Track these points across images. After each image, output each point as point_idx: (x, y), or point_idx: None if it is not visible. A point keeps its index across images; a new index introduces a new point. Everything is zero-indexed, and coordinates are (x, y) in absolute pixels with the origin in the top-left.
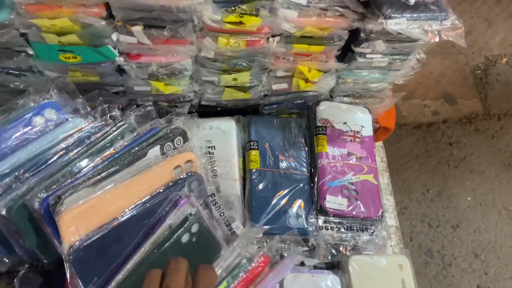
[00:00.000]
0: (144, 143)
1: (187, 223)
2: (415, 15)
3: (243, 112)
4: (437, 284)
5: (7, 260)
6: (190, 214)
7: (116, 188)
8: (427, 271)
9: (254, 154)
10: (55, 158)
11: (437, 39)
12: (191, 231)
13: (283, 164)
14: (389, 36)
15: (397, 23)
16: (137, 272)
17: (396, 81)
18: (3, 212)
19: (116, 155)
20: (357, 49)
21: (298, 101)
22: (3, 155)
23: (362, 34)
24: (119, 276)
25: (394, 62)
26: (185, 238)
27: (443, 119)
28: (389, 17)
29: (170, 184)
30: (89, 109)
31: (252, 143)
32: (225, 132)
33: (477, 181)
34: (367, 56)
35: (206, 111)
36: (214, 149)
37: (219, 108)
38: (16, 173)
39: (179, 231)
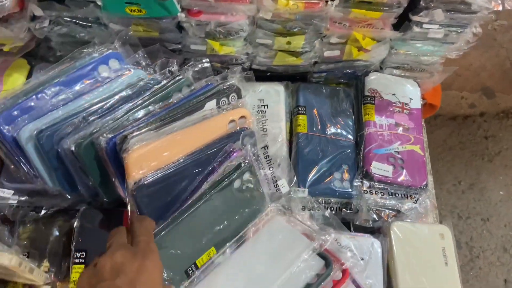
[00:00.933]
0: (201, 96)
1: (240, 169)
2: None
3: (291, 78)
4: (463, 275)
5: (69, 197)
6: (243, 162)
7: (176, 134)
8: None
9: (302, 119)
10: (118, 105)
11: (500, 8)
12: (242, 178)
13: (330, 130)
14: (449, 5)
15: None
16: (193, 213)
17: (449, 55)
18: (72, 148)
19: (174, 105)
20: (415, 18)
21: (348, 71)
22: (70, 98)
23: (422, 2)
24: (177, 215)
25: (450, 34)
26: (236, 184)
27: (480, 112)
28: None
29: (225, 136)
30: (149, 62)
31: (300, 108)
32: (274, 96)
33: (511, 176)
34: (424, 25)
35: (256, 75)
36: (265, 109)
37: (268, 73)
38: (84, 114)
39: (233, 176)
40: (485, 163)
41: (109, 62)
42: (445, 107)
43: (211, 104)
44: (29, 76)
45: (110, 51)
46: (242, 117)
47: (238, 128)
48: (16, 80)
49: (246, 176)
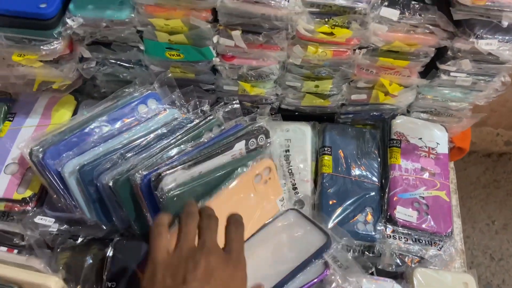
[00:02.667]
0: (231, 137)
1: None
2: (506, 37)
3: (319, 118)
4: None
5: (104, 227)
6: None
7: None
8: None
9: (327, 159)
10: (153, 142)
11: None
12: None
13: (355, 172)
14: (477, 56)
15: (488, 44)
16: None
17: (477, 102)
18: (110, 184)
19: (205, 145)
20: (442, 66)
21: (374, 113)
22: (111, 135)
23: (449, 52)
24: None
25: (478, 83)
26: None
27: None
28: (481, 37)
29: None
30: (183, 102)
31: (326, 148)
32: (300, 135)
33: None
34: (451, 74)
35: (284, 115)
36: (291, 148)
37: (296, 113)
38: (122, 151)
39: None
40: None
41: (148, 101)
42: (480, 144)
43: (240, 145)
44: (75, 111)
45: (149, 91)
46: (267, 168)
47: None
48: (63, 116)
49: None
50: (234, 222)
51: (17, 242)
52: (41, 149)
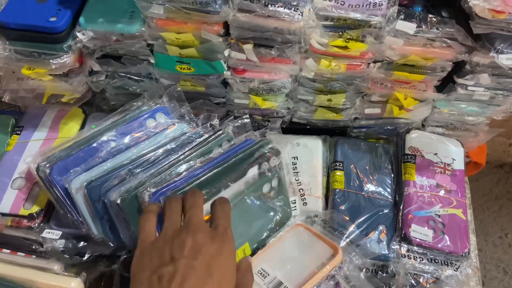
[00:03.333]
0: (244, 163)
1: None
2: None
3: (330, 132)
4: None
5: (112, 244)
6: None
7: None
8: None
9: (339, 175)
10: (162, 158)
11: None
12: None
13: (368, 188)
14: (496, 70)
15: (509, 59)
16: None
17: (495, 116)
18: (118, 201)
19: (214, 161)
20: (460, 80)
21: (388, 127)
22: (119, 150)
23: (467, 66)
24: None
25: (497, 97)
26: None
27: None
28: (501, 52)
29: None
30: (193, 116)
31: (337, 164)
32: (311, 150)
33: None
34: (469, 88)
35: (295, 128)
36: (302, 162)
37: (308, 126)
38: (130, 167)
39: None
40: None
41: (156, 115)
42: (492, 154)
43: (253, 170)
44: (83, 124)
45: (158, 105)
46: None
47: None
48: (71, 129)
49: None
50: (220, 200)
51: (35, 248)
52: (48, 164)
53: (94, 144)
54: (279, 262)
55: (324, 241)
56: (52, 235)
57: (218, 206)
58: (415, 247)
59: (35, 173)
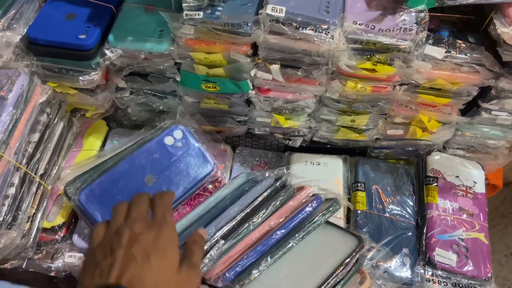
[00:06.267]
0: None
1: None
2: None
3: (350, 152)
4: None
5: None
6: None
7: None
8: None
9: (361, 196)
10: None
11: None
12: None
13: (390, 210)
14: None
15: None
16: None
17: None
18: None
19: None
20: (485, 105)
21: (409, 148)
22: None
23: (493, 91)
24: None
25: None
26: None
27: None
28: None
29: None
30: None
31: (359, 184)
32: (332, 169)
33: None
34: (493, 112)
35: (315, 147)
36: (321, 184)
37: (328, 146)
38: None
39: None
40: None
41: (173, 133)
42: None
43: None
44: (106, 137)
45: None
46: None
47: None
48: (94, 143)
49: None
50: (158, 194)
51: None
52: (75, 190)
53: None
54: None
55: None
56: (75, 259)
57: (157, 198)
58: (439, 271)
59: (64, 195)
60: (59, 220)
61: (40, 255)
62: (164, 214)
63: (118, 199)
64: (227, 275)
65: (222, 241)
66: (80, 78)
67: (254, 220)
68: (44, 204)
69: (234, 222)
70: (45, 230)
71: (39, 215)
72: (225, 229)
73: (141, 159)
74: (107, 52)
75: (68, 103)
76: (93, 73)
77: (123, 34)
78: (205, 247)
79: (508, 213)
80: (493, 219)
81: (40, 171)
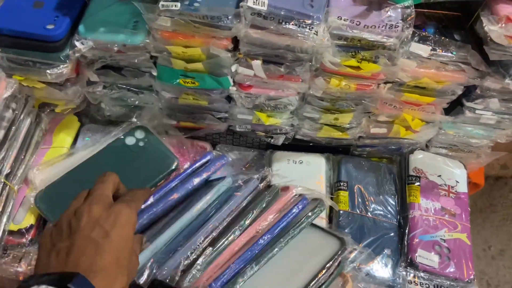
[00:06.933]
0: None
1: None
2: None
3: (333, 150)
4: None
5: None
6: None
7: None
8: None
9: (343, 195)
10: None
11: None
12: None
13: (372, 210)
14: (506, 95)
15: None
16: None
17: (499, 140)
18: None
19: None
20: (469, 104)
21: (392, 147)
22: None
23: (477, 91)
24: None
25: (503, 121)
26: None
27: None
28: None
29: None
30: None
31: (341, 184)
32: (314, 168)
33: None
34: (477, 111)
35: (297, 145)
36: (302, 183)
37: (311, 144)
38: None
39: None
40: None
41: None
42: None
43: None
44: (77, 134)
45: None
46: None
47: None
48: (64, 140)
49: None
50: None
51: None
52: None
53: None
54: None
55: None
56: None
57: (122, 186)
58: (421, 273)
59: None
60: (27, 222)
61: (7, 259)
62: (125, 200)
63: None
64: (214, 285)
65: (210, 249)
66: (48, 71)
67: (240, 224)
68: (10, 206)
69: (221, 228)
70: (11, 233)
71: (5, 217)
72: (212, 235)
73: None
74: (77, 43)
75: (35, 98)
76: (62, 66)
77: (95, 25)
78: (193, 256)
79: (486, 207)
80: (471, 214)
81: (5, 171)
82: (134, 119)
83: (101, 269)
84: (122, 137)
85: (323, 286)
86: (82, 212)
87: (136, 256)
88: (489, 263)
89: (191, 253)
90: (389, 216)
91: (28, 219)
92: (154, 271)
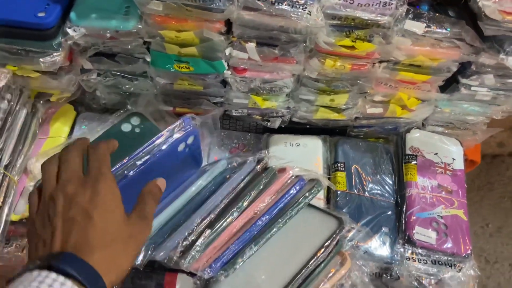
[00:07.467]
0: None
1: None
2: None
3: (330, 132)
4: None
5: None
6: None
7: None
8: None
9: (341, 176)
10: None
11: None
12: None
13: (369, 189)
14: (501, 71)
15: None
16: None
17: (495, 116)
18: None
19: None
20: (464, 81)
21: (389, 127)
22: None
23: (473, 67)
24: None
25: (498, 97)
26: None
27: (509, 152)
28: (510, 54)
29: None
30: None
31: (339, 164)
32: (311, 150)
33: None
34: (472, 88)
35: (294, 127)
36: (301, 165)
37: (307, 126)
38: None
39: None
40: None
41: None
42: None
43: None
44: (74, 123)
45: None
46: None
47: None
48: (61, 129)
49: None
50: (91, 146)
51: None
52: None
53: None
54: None
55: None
56: None
57: (90, 151)
58: (419, 250)
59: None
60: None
61: (10, 248)
62: (99, 167)
63: None
64: (214, 266)
65: (209, 230)
66: (41, 59)
67: (238, 206)
68: (11, 196)
69: (218, 210)
70: (13, 223)
71: (6, 207)
72: (210, 217)
73: None
74: (69, 31)
75: (30, 88)
76: (55, 54)
77: (86, 11)
78: (192, 237)
79: (483, 185)
80: (469, 192)
81: (5, 162)
82: (129, 107)
83: (94, 247)
84: (118, 124)
85: (322, 265)
86: (57, 196)
87: (140, 218)
88: (487, 240)
89: (189, 234)
90: (386, 195)
91: None
92: (150, 252)
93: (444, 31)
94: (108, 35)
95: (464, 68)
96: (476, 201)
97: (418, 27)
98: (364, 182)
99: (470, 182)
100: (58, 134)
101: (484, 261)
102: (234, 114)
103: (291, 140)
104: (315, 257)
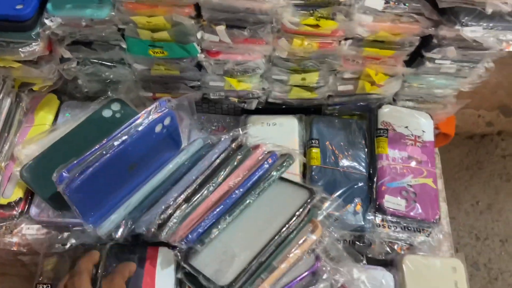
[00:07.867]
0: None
1: None
2: (491, 24)
3: (306, 111)
4: None
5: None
6: None
7: None
8: (472, 284)
9: (315, 152)
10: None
11: (511, 49)
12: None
13: (343, 163)
14: (462, 43)
15: (473, 31)
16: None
17: (462, 88)
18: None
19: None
20: (428, 54)
21: (361, 103)
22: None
23: (434, 40)
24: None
25: (463, 69)
26: None
27: (498, 131)
28: (466, 25)
29: None
30: None
31: (313, 141)
32: (288, 129)
33: None
34: (436, 61)
35: (271, 108)
36: (279, 142)
37: (283, 106)
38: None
39: None
40: (503, 183)
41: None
42: (462, 126)
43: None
44: (58, 111)
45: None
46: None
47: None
48: (45, 117)
49: None
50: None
51: None
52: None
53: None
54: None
55: None
56: (33, 231)
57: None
58: (389, 217)
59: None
60: (16, 195)
61: (0, 231)
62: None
63: None
64: (190, 236)
65: (185, 204)
66: (21, 49)
67: (214, 181)
68: None
69: (195, 185)
70: (2, 206)
71: None
72: (187, 192)
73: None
74: (46, 21)
75: (13, 78)
76: (34, 44)
77: (62, 2)
78: (169, 211)
79: (473, 164)
80: (459, 171)
81: None
82: (110, 94)
83: None
84: (99, 110)
85: (294, 232)
86: None
87: None
88: (477, 217)
89: (166, 208)
90: (359, 168)
91: (16, 193)
92: (130, 226)
93: (402, 6)
94: (83, 23)
95: (427, 43)
96: (466, 180)
97: (378, 3)
98: (338, 156)
99: (459, 162)
100: (42, 122)
101: (475, 238)
102: (212, 97)
103: (268, 120)
104: (287, 225)
